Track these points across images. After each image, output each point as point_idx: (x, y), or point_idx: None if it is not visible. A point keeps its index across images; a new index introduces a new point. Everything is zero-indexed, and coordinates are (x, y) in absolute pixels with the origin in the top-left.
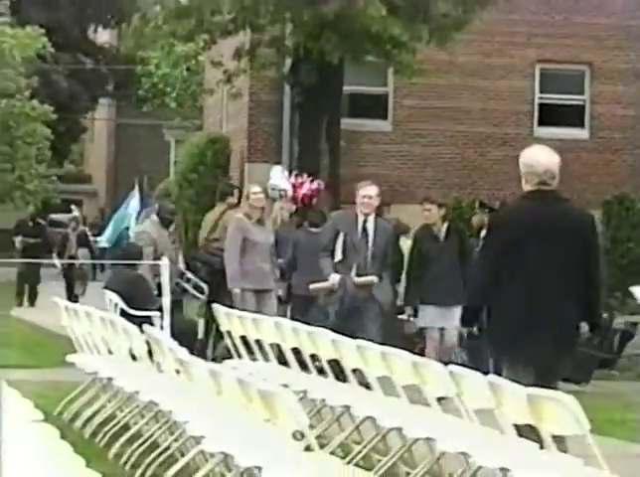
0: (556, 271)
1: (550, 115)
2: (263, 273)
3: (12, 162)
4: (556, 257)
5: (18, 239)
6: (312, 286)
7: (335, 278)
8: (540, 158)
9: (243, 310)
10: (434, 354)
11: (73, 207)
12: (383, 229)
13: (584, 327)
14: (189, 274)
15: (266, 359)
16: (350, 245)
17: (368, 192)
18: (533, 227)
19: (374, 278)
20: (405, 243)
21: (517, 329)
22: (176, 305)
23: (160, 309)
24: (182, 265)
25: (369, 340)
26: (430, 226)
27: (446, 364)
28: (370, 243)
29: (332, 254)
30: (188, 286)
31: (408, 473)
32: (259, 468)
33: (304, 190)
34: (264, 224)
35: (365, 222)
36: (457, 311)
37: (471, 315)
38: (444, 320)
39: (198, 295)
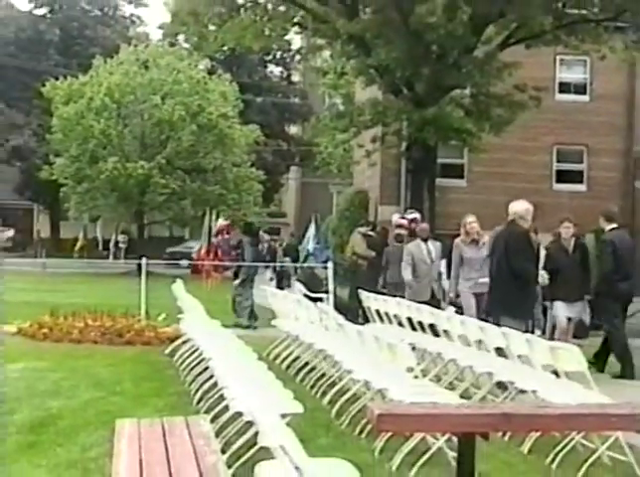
0: (501, 260)
1: (562, 177)
2: (476, 280)
3: (239, 205)
4: (502, 254)
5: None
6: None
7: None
8: (513, 206)
9: (466, 307)
10: (563, 336)
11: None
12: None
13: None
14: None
15: (390, 323)
16: None
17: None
18: (499, 241)
19: None
20: None
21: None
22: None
23: (327, 292)
24: None
25: None
26: (562, 241)
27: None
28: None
29: None
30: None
31: (476, 392)
32: (387, 389)
33: (405, 224)
34: (478, 243)
35: None
36: (579, 304)
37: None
38: (573, 311)
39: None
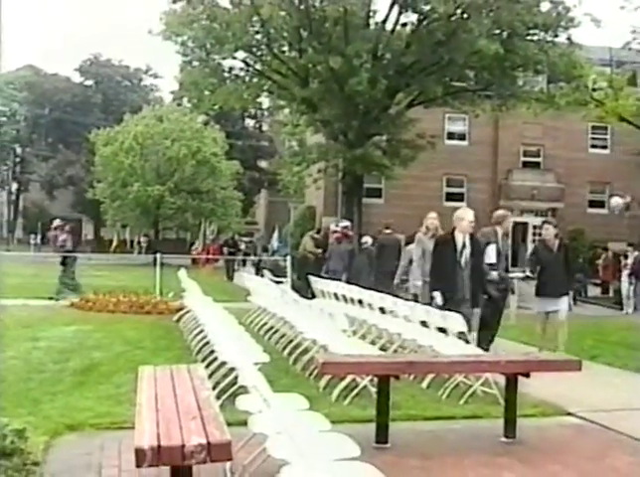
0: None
1: (450, 197)
2: None
3: (225, 216)
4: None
5: (225, 249)
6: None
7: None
8: (457, 213)
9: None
10: (543, 327)
11: (245, 239)
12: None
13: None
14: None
15: (330, 299)
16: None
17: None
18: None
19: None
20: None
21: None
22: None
23: (286, 277)
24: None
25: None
26: (547, 241)
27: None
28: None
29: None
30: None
31: (390, 347)
32: (328, 344)
33: (340, 230)
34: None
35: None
36: (565, 299)
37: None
38: (555, 305)
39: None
